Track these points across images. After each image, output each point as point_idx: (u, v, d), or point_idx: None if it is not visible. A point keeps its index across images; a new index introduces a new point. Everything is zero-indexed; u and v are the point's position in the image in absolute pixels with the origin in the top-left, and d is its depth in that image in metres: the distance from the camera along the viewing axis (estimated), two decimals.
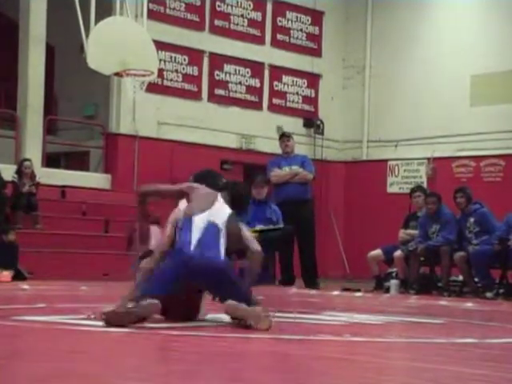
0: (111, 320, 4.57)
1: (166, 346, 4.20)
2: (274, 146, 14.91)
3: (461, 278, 10.56)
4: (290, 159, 11.19)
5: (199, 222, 5.04)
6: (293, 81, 15.56)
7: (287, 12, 15.54)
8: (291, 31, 15.57)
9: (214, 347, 4.15)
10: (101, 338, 4.41)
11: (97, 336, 4.49)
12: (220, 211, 5.18)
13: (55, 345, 4.04)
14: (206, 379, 3.05)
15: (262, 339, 4.55)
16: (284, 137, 11.48)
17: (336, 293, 10.18)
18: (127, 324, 4.56)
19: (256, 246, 5.25)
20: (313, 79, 15.81)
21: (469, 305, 8.64)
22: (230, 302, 4.80)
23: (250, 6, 15.03)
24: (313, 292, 10.04)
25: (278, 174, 10.96)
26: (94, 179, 13.43)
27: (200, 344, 4.25)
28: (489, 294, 9.88)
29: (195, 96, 14.33)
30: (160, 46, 12.92)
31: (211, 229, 5.06)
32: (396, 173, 15.25)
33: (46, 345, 4.03)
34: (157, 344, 4.23)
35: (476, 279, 10.34)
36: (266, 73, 15.22)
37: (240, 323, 4.78)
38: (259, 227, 9.75)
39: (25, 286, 8.70)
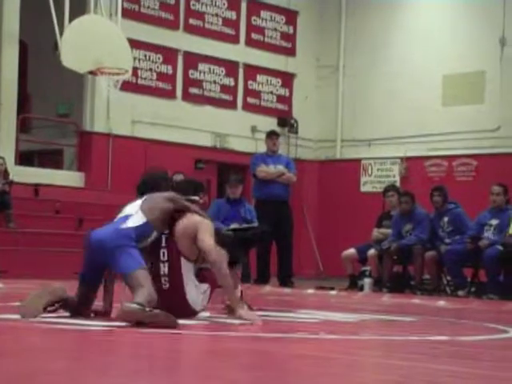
0: (25, 308, 4.78)
1: (143, 343, 4.23)
2: (248, 145, 14.99)
3: None
4: (275, 158, 11.27)
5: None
6: (267, 80, 15.61)
7: (262, 11, 15.58)
8: (265, 30, 15.61)
9: (193, 345, 4.19)
10: (78, 336, 4.43)
11: (74, 334, 4.50)
12: (132, 205, 5.30)
13: (32, 343, 4.05)
14: (183, 377, 3.08)
15: (240, 337, 4.60)
16: (273, 135, 11.52)
17: (310, 291, 10.25)
18: (41, 308, 4.78)
19: (213, 256, 5.08)
20: (287, 78, 15.88)
21: (441, 303, 8.74)
22: (125, 306, 4.64)
23: (224, 5, 15.05)
24: (287, 290, 10.10)
25: (266, 170, 11.04)
26: (68, 177, 13.38)
27: (179, 342, 4.29)
28: (461, 293, 10.00)
29: (169, 95, 14.32)
30: (134, 44, 12.91)
31: (119, 219, 5.20)
32: (369, 172, 15.36)
33: (23, 343, 4.03)
34: (134, 342, 4.25)
35: (448, 278, 10.46)
36: (241, 72, 15.26)
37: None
38: (233, 226, 9.79)
39: None
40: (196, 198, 5.59)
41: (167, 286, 5.21)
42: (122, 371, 3.14)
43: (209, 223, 5.28)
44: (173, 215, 5.29)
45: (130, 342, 4.23)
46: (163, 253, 5.25)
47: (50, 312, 4.98)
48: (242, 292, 5.74)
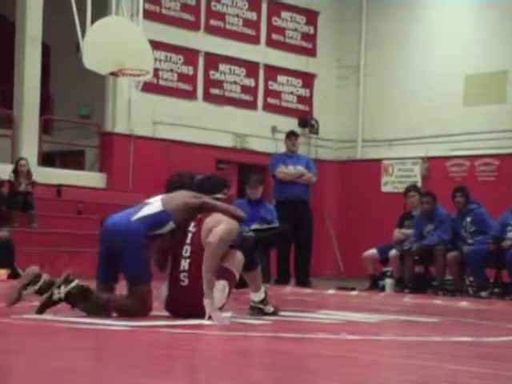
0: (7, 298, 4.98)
1: (166, 343, 4.25)
2: (268, 146, 15.00)
3: None
4: (294, 158, 11.23)
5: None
6: (287, 80, 15.61)
7: (282, 12, 15.58)
8: (286, 31, 15.62)
9: (215, 345, 4.20)
10: (101, 336, 4.45)
11: (97, 334, 4.53)
12: (158, 196, 5.39)
13: (56, 342, 4.08)
14: (208, 376, 3.10)
15: (261, 337, 4.61)
16: (292, 135, 11.49)
17: (331, 292, 10.23)
18: (15, 294, 4.97)
19: (211, 235, 5.09)
20: (307, 79, 15.86)
21: (463, 304, 8.70)
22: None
23: (245, 5, 15.07)
24: (308, 291, 10.09)
25: (285, 171, 11.01)
26: (90, 178, 13.47)
27: (199, 342, 4.30)
28: (483, 293, 9.94)
29: (190, 95, 14.37)
30: (155, 45, 12.94)
31: (135, 206, 5.32)
32: (390, 172, 15.31)
33: (46, 342, 4.06)
34: (157, 342, 4.27)
35: (470, 278, 10.41)
36: (261, 72, 15.27)
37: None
38: (254, 227, 9.79)
39: None
40: (220, 195, 5.59)
41: (186, 282, 5.20)
42: (143, 370, 3.16)
43: (233, 222, 5.26)
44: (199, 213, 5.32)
45: (149, 341, 4.25)
46: (186, 249, 5.24)
47: (26, 296, 5.06)
48: (266, 293, 5.73)
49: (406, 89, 15.12)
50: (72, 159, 14.40)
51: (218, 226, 5.18)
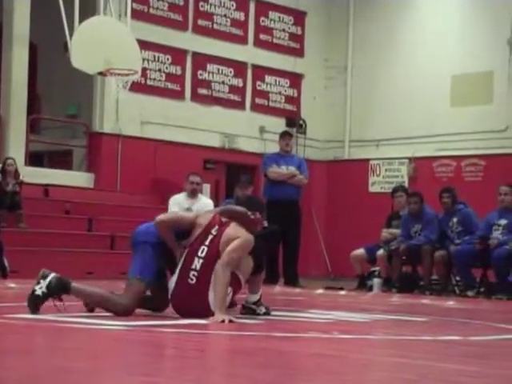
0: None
1: (163, 342, 4.27)
2: (256, 146, 15.04)
3: None
4: (287, 159, 11.23)
5: None
6: (275, 80, 15.65)
7: (270, 12, 15.62)
8: (274, 31, 15.65)
9: (208, 344, 4.23)
10: (97, 335, 4.47)
11: (93, 333, 4.55)
12: None
13: (52, 342, 4.09)
14: (202, 375, 3.12)
15: (254, 337, 4.64)
16: (286, 135, 11.50)
17: (320, 291, 10.27)
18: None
19: (224, 256, 5.19)
20: (295, 79, 15.91)
21: (450, 303, 8.76)
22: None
23: (232, 5, 15.09)
24: (297, 291, 10.13)
25: (277, 171, 11.01)
26: (77, 178, 13.45)
27: (195, 341, 4.33)
28: (470, 293, 10.01)
29: (178, 95, 14.37)
30: (143, 45, 12.95)
31: None
32: (377, 172, 15.38)
33: (40, 342, 4.07)
34: (153, 341, 4.29)
35: (457, 278, 10.48)
36: (249, 72, 15.30)
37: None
38: None
39: (11, 284, 8.72)
40: (252, 215, 5.62)
41: (194, 281, 5.24)
42: (143, 370, 3.18)
43: (248, 240, 5.30)
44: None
45: (149, 340, 4.27)
46: (203, 249, 5.29)
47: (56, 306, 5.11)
48: (261, 296, 5.79)
49: (394, 89, 15.20)
50: (60, 159, 14.37)
51: (234, 241, 5.24)
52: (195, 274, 5.25)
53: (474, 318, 6.88)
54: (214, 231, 5.35)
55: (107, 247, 12.05)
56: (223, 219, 5.43)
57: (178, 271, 5.32)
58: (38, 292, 5.06)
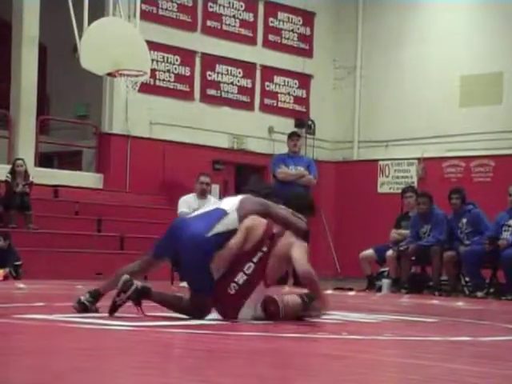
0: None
1: (170, 342, 4.28)
2: (265, 146, 15.04)
3: None
4: (296, 159, 11.20)
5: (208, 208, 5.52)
6: (284, 81, 15.65)
7: (279, 13, 15.63)
8: (283, 32, 15.66)
9: (217, 344, 4.23)
10: (104, 336, 4.48)
11: (100, 333, 4.56)
12: (230, 200, 5.43)
13: (58, 342, 4.10)
14: (211, 375, 3.13)
15: (263, 337, 4.64)
16: (294, 136, 11.47)
17: (329, 292, 10.25)
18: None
19: (299, 266, 5.20)
20: (304, 80, 15.91)
21: (460, 304, 8.74)
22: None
23: (241, 6, 15.11)
24: (306, 291, 10.09)
25: (286, 171, 10.99)
26: (87, 179, 13.49)
27: (203, 341, 4.33)
28: (479, 294, 9.99)
29: (187, 96, 14.40)
30: (152, 46, 12.98)
31: (215, 211, 5.32)
32: (386, 173, 15.36)
33: (47, 342, 4.08)
34: (161, 341, 4.30)
35: (466, 279, 10.46)
36: (258, 73, 15.31)
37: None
38: None
39: (21, 285, 8.75)
40: (301, 217, 5.58)
41: (233, 291, 5.21)
42: (150, 370, 3.19)
43: (301, 249, 5.29)
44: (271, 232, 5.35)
45: (156, 341, 4.28)
46: (249, 266, 5.22)
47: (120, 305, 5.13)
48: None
49: (403, 90, 15.17)
50: (69, 160, 14.40)
51: (297, 251, 5.24)
52: (236, 286, 5.20)
53: (484, 318, 6.87)
54: (264, 248, 5.28)
55: (116, 248, 12.08)
56: (275, 229, 5.34)
57: (222, 274, 5.23)
58: (119, 303, 5.10)
